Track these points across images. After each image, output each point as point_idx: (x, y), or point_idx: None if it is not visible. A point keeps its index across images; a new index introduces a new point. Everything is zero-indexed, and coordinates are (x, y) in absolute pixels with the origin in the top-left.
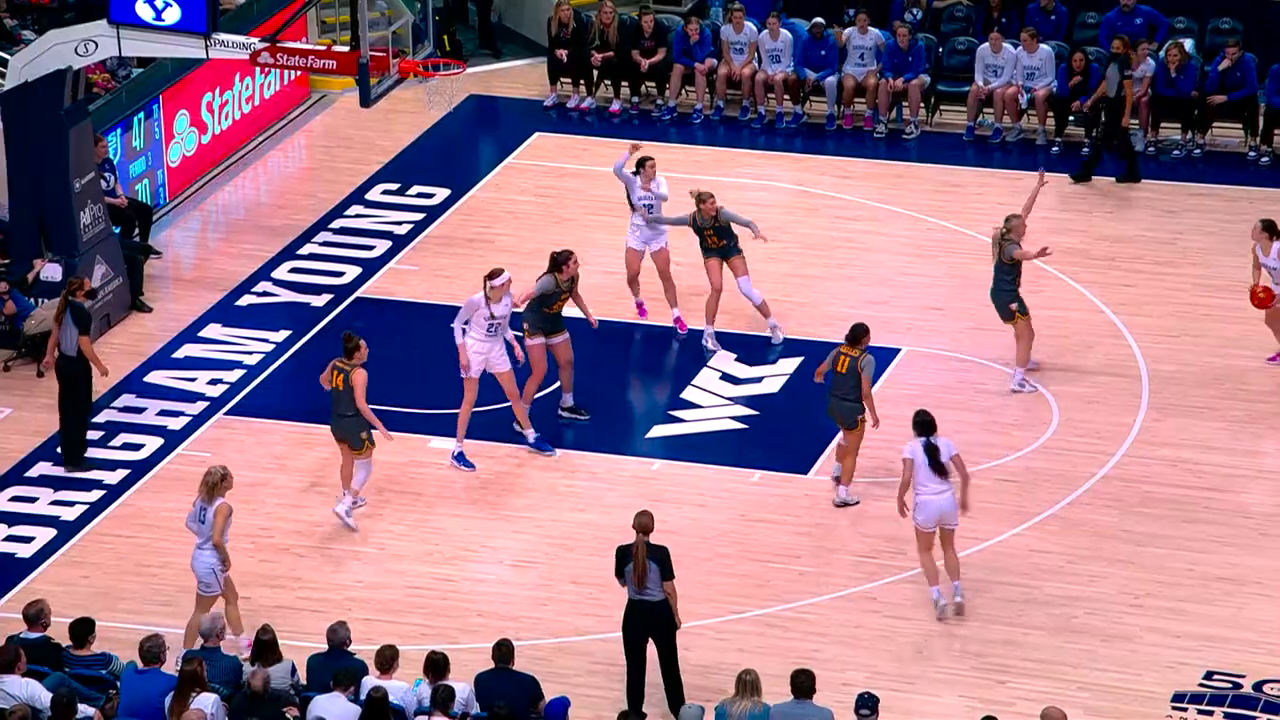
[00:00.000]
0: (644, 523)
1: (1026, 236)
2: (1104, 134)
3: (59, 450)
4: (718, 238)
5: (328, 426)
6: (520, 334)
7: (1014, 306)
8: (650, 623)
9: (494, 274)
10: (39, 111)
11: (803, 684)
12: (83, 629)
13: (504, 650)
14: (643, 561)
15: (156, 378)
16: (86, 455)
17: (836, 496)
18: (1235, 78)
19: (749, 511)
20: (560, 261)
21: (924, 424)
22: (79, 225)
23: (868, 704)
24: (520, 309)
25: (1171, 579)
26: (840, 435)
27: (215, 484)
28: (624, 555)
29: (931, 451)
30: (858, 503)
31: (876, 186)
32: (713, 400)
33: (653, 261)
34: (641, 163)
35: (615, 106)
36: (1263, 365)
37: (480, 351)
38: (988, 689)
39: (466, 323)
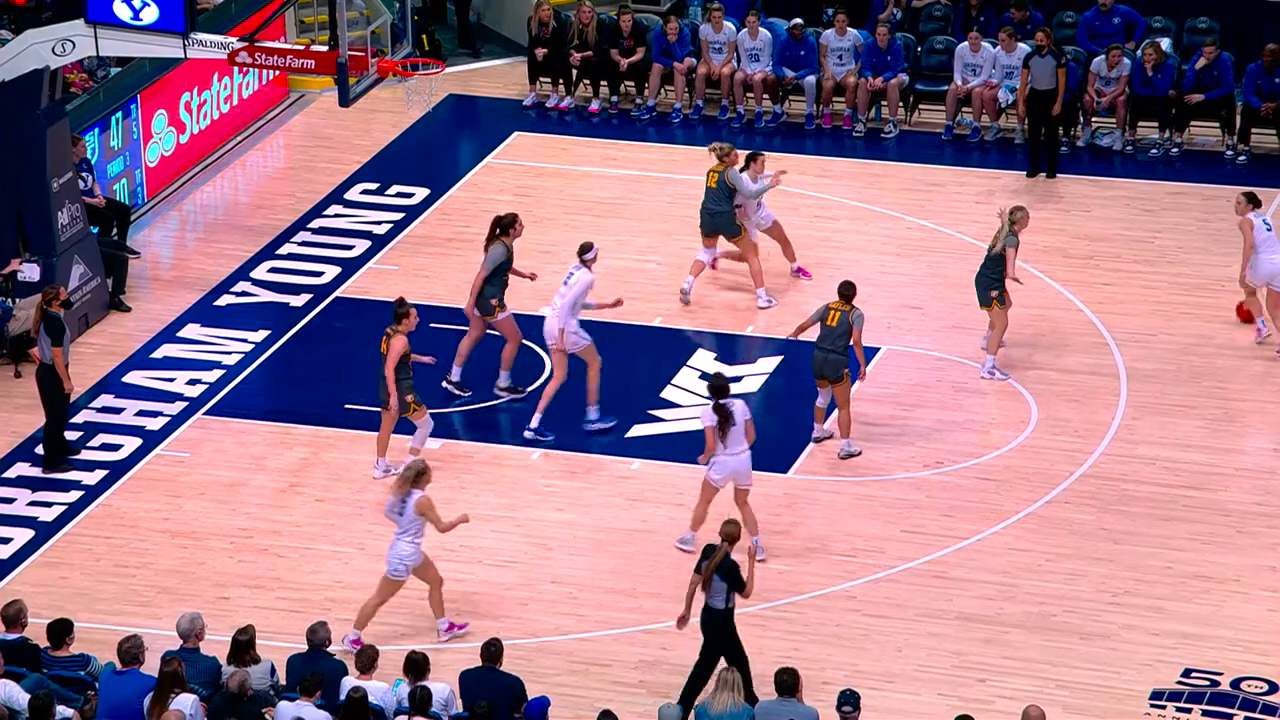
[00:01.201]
0: (730, 532)
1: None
2: (1035, 125)
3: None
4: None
5: (306, 426)
6: (488, 314)
7: (994, 294)
8: (707, 626)
9: (587, 247)
10: (16, 111)
11: (786, 682)
12: (60, 630)
13: (493, 650)
14: (711, 571)
15: (135, 378)
16: (63, 458)
17: (841, 450)
18: (1212, 77)
19: (728, 511)
20: (508, 224)
21: (717, 388)
22: (57, 225)
23: (850, 701)
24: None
25: (1149, 577)
26: (819, 398)
27: (411, 478)
28: (705, 554)
29: (721, 412)
30: (860, 452)
31: (855, 186)
32: (692, 400)
33: (769, 235)
34: (754, 156)
35: (594, 106)
36: (1239, 364)
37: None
38: (967, 687)
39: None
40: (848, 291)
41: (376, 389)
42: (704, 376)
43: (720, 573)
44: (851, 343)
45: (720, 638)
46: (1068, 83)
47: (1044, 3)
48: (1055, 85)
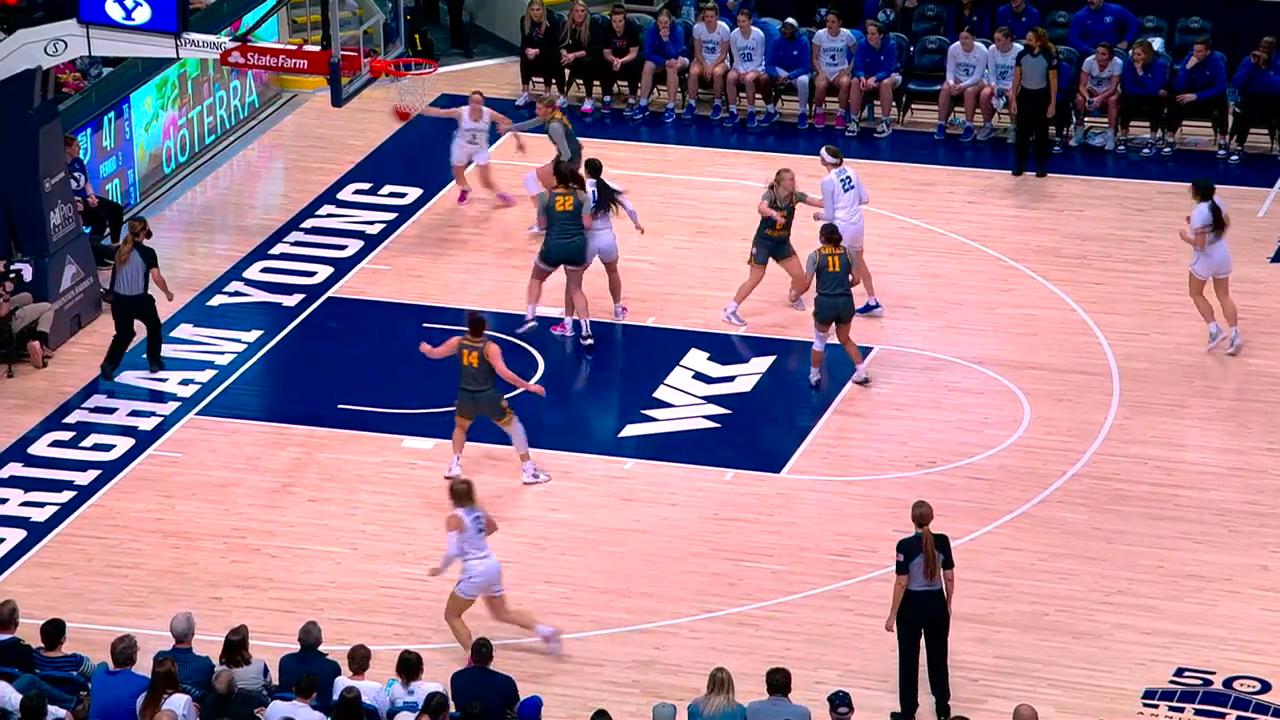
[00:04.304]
0: (924, 513)
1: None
2: (1025, 125)
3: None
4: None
5: (299, 426)
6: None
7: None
8: (929, 613)
9: (836, 152)
10: (8, 111)
11: (778, 681)
12: (55, 631)
13: (484, 651)
14: (934, 552)
15: (127, 378)
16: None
17: (858, 376)
18: (1204, 76)
19: (722, 510)
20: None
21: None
22: (49, 225)
23: (846, 701)
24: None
25: (1142, 576)
26: (818, 343)
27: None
28: (910, 549)
29: (1216, 213)
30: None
31: None
32: (685, 399)
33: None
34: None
35: (587, 106)
36: (1232, 363)
37: None
38: (959, 686)
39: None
40: (836, 235)
41: (475, 396)
42: (698, 376)
43: (942, 551)
44: (853, 280)
45: (944, 618)
46: (1059, 83)
47: (1038, 2)
48: (1046, 85)
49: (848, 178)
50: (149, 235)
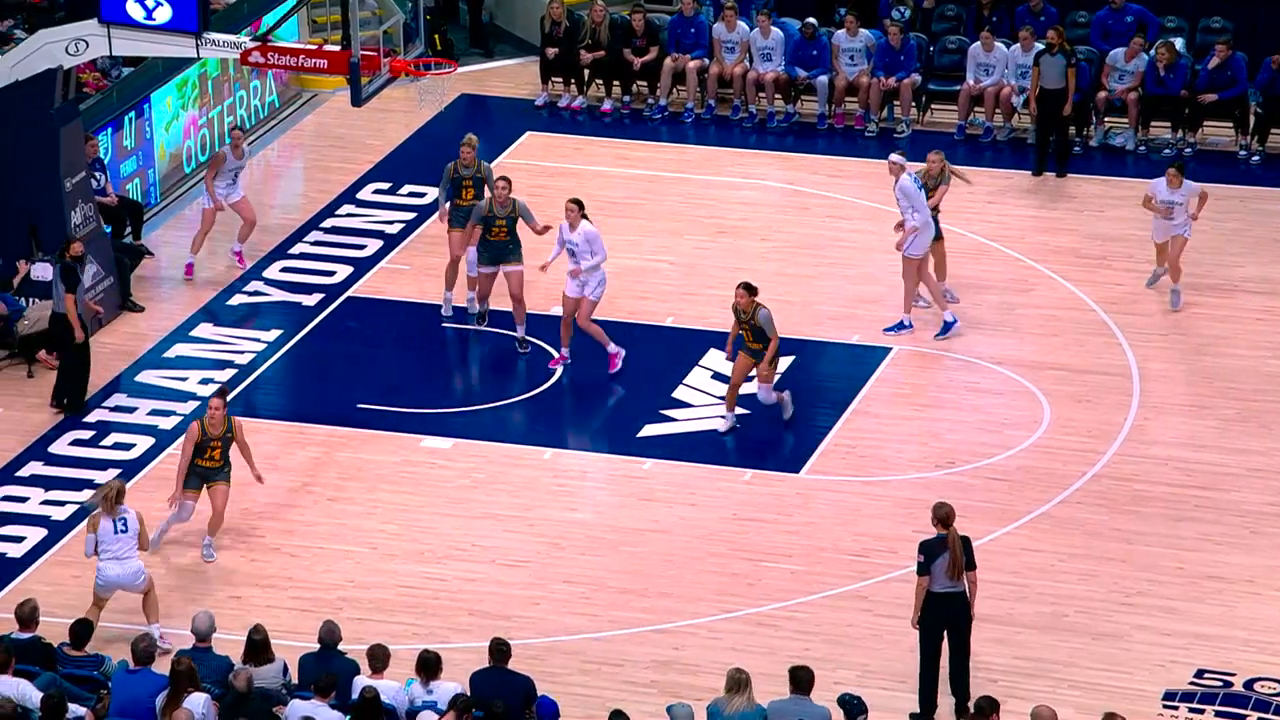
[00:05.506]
0: (948, 513)
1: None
2: (1045, 125)
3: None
4: (474, 189)
5: (320, 426)
6: None
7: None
8: (952, 615)
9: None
10: (29, 111)
11: (801, 679)
12: (83, 631)
13: (503, 650)
14: (960, 553)
15: (148, 377)
16: (66, 403)
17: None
18: (1225, 76)
19: (740, 510)
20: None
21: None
22: (70, 225)
23: (863, 709)
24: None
25: (1162, 577)
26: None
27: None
28: (932, 549)
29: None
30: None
31: (868, 185)
32: (704, 399)
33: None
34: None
35: (606, 105)
36: (1252, 363)
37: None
38: (978, 687)
39: None
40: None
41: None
42: (716, 377)
43: (964, 552)
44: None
45: (963, 617)
46: (1079, 82)
47: (1058, 2)
48: (1065, 84)
49: (915, 176)
50: (75, 257)
